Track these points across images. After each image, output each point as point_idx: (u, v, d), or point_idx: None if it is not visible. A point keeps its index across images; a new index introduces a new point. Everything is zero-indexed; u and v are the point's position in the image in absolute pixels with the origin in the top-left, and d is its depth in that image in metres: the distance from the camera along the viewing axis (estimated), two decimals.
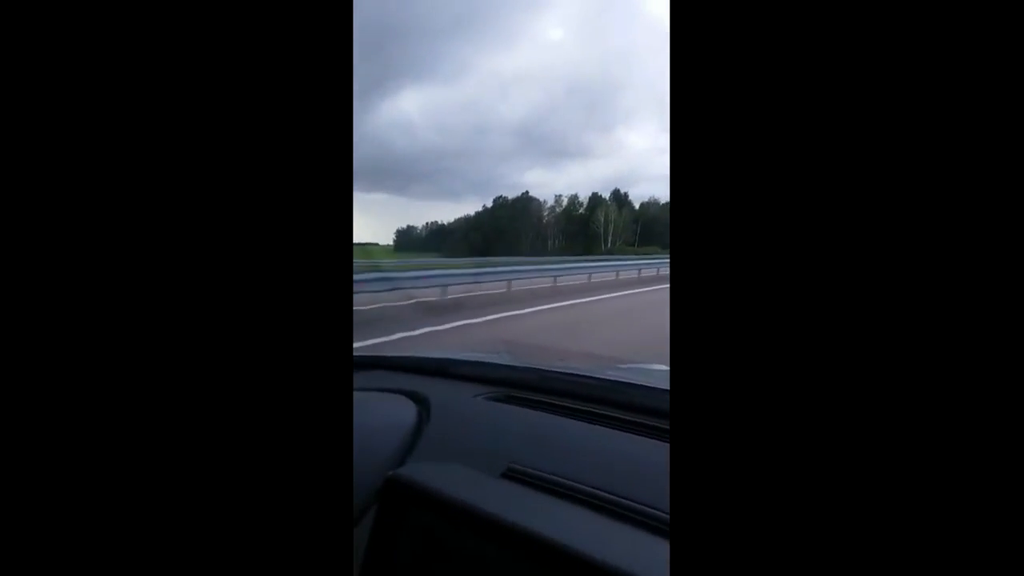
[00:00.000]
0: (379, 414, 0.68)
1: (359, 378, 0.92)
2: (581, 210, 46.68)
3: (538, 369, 0.80)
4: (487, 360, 0.90)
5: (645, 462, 0.48)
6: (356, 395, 0.76)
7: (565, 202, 48.30)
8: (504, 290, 7.17)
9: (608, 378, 0.73)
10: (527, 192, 49.52)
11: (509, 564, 0.34)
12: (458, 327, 4.37)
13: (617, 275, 10.76)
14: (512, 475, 0.49)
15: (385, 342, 3.50)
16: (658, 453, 0.49)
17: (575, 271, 9.68)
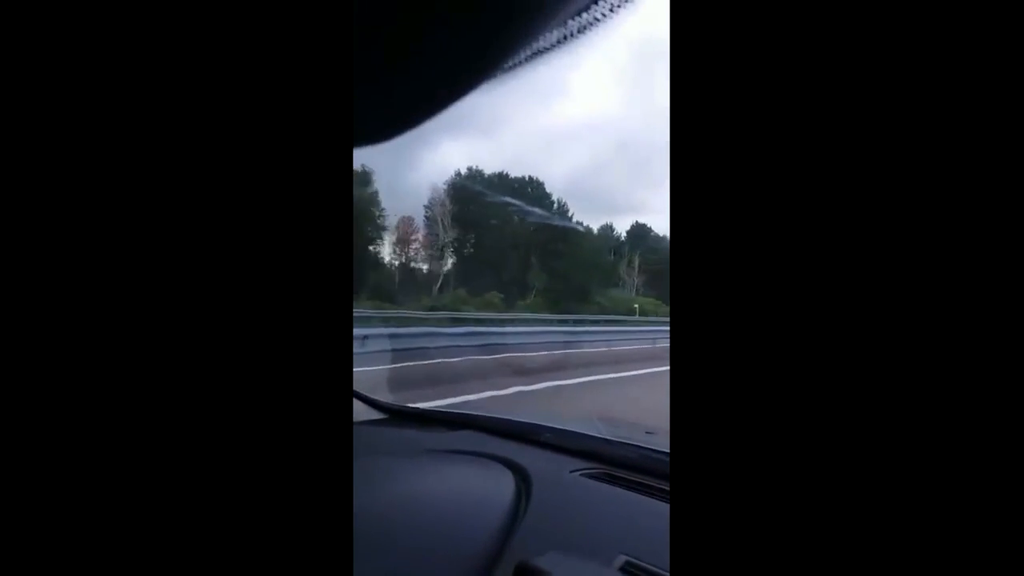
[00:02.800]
0: (481, 484, 0.69)
1: (452, 438, 0.94)
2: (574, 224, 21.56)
3: (637, 447, 0.78)
4: (581, 432, 0.90)
5: None
6: (456, 458, 0.81)
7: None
8: None
9: None
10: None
11: None
12: None
13: None
14: (631, 570, 0.48)
15: None
16: None
17: None
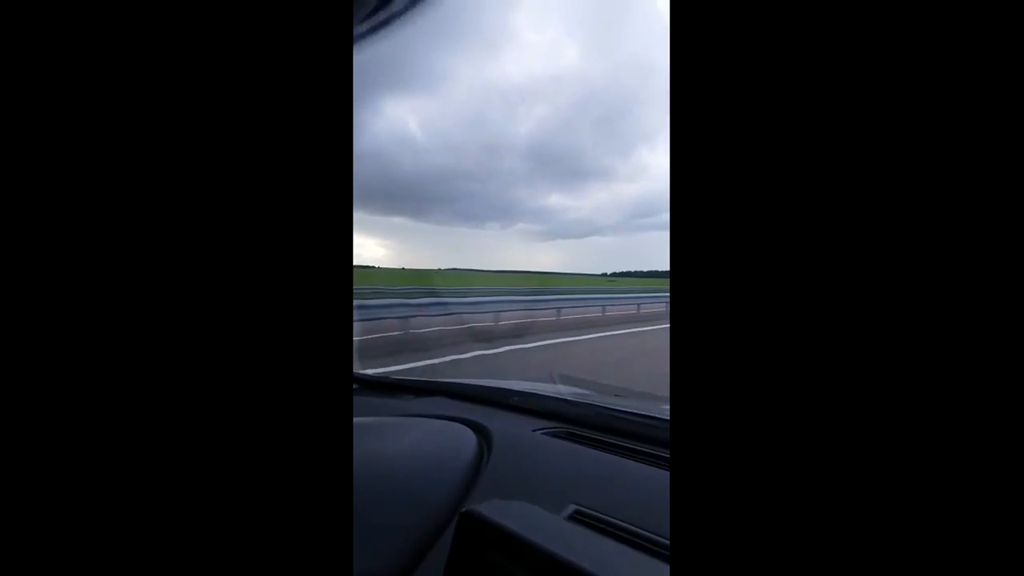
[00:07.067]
0: (443, 443, 0.70)
1: (420, 404, 0.95)
2: None
3: (597, 407, 0.81)
4: (545, 393, 0.91)
5: None
6: (420, 422, 0.80)
7: None
8: None
9: (667, 419, 0.72)
10: None
11: None
12: None
13: None
14: (579, 518, 0.49)
15: None
16: None
17: None
